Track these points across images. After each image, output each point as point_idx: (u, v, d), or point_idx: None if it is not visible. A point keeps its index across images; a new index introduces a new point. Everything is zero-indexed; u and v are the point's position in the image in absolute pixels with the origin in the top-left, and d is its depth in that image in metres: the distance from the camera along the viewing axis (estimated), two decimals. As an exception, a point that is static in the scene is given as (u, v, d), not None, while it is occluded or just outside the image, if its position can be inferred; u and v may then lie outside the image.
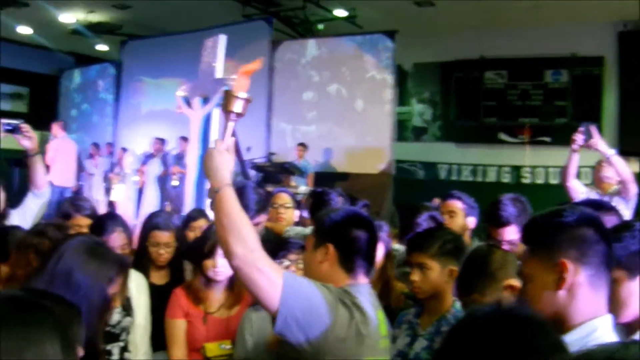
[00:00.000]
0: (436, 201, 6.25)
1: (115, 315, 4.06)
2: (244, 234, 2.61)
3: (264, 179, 13.21)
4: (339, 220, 2.94)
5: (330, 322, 2.58)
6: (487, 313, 1.66)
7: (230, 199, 2.72)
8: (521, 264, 2.34)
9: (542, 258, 2.20)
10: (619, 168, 5.81)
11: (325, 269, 2.85)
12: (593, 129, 5.81)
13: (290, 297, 2.54)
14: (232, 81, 7.36)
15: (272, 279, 2.54)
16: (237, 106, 3.01)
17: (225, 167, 2.84)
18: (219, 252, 4.05)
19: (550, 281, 2.15)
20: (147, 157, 16.04)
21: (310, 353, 2.58)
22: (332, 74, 16.43)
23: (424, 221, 4.95)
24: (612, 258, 2.25)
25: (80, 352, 1.86)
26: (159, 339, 4.36)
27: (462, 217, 5.41)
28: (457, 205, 5.47)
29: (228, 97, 3.04)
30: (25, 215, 4.94)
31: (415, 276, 3.54)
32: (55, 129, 15.57)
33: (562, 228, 2.21)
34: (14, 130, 4.84)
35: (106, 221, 4.47)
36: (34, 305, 1.61)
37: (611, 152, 5.84)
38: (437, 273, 3.51)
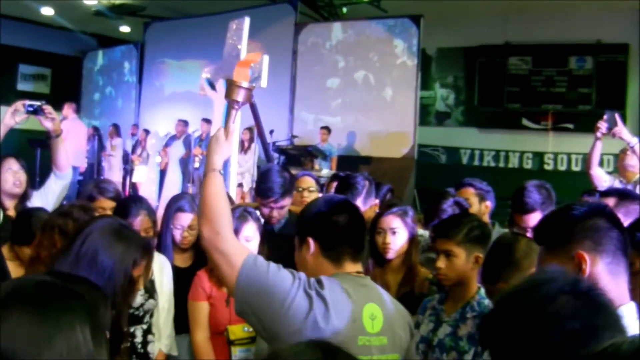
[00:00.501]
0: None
1: (139, 298, 4.09)
2: (213, 216, 2.73)
3: (287, 162, 13.21)
4: (313, 211, 2.87)
5: (282, 311, 2.56)
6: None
7: (211, 183, 2.84)
8: (538, 264, 2.33)
9: (558, 254, 2.21)
10: None
11: (312, 263, 2.79)
12: (617, 117, 5.77)
13: (243, 283, 2.60)
14: (256, 64, 7.35)
15: (231, 262, 2.63)
16: (240, 95, 3.12)
17: (217, 153, 2.95)
18: (241, 234, 4.06)
19: None
20: (170, 139, 16.08)
21: (267, 339, 2.63)
22: (356, 58, 16.38)
23: (448, 207, 4.93)
24: (627, 244, 2.25)
25: (106, 335, 1.88)
26: (182, 322, 4.38)
27: (477, 203, 5.40)
28: (470, 192, 5.44)
29: (230, 86, 3.14)
30: (47, 197, 4.97)
31: (441, 263, 3.53)
32: (67, 110, 15.61)
33: (574, 222, 2.23)
34: (36, 111, 4.85)
35: (130, 204, 4.46)
36: (64, 291, 1.60)
37: (635, 141, 5.79)
38: (463, 260, 3.50)
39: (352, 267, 2.78)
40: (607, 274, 2.13)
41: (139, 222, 4.31)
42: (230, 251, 2.67)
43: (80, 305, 1.58)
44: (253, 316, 2.61)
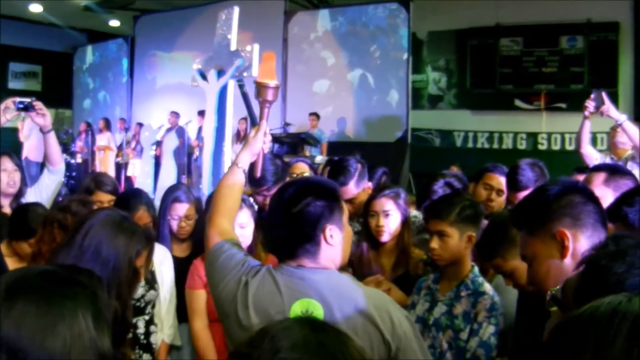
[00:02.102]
0: (454, 169, 6.17)
1: (139, 289, 4.11)
2: (213, 203, 2.96)
3: (282, 150, 13.22)
4: (275, 196, 2.76)
5: (217, 293, 2.68)
6: None
7: (226, 175, 3.05)
8: (521, 249, 2.36)
9: (540, 235, 2.26)
10: (631, 134, 5.79)
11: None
12: (604, 95, 5.79)
13: (207, 264, 2.81)
14: (247, 54, 7.37)
15: (208, 244, 2.82)
16: (270, 94, 3.20)
17: (244, 149, 3.09)
18: (237, 222, 4.09)
19: (554, 253, 2.20)
20: (168, 131, 16.09)
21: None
22: (346, 44, 16.37)
23: (439, 188, 4.93)
24: (604, 216, 2.29)
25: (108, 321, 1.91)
26: (182, 311, 4.42)
27: (504, 197, 5.15)
28: (504, 182, 5.11)
29: (259, 87, 3.21)
30: (41, 193, 4.98)
31: (435, 244, 3.55)
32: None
33: (550, 201, 2.27)
34: (27, 107, 4.84)
35: (130, 198, 4.49)
36: (67, 279, 1.64)
37: (622, 118, 5.81)
38: (456, 240, 3.52)
39: (294, 263, 2.63)
40: (588, 247, 2.17)
41: (139, 216, 4.33)
42: (210, 235, 2.83)
43: (83, 293, 1.61)
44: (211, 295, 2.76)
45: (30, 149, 16.36)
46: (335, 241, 2.61)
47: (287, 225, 2.62)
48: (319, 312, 2.52)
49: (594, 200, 2.29)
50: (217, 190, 2.98)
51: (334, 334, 1.46)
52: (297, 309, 2.53)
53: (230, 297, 2.61)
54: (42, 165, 14.71)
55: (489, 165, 5.33)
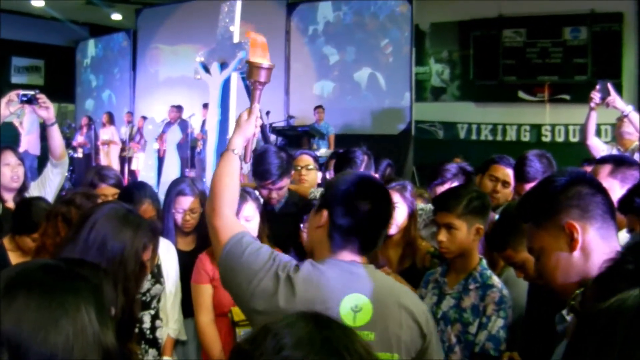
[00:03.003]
0: (457, 161, 6.12)
1: (145, 284, 4.09)
2: (214, 193, 2.82)
3: (286, 143, 13.21)
4: (341, 186, 2.70)
5: (249, 291, 2.56)
6: None
7: (222, 162, 2.91)
8: (528, 242, 2.33)
9: (547, 228, 2.21)
10: (637, 124, 5.76)
11: (318, 235, 2.70)
12: (610, 86, 5.76)
13: (224, 259, 2.65)
14: (249, 47, 7.34)
15: (219, 238, 2.70)
16: (262, 75, 3.09)
17: (237, 133, 2.98)
18: (241, 214, 4.06)
19: (563, 246, 2.16)
20: (167, 126, 16.08)
21: (246, 317, 2.73)
22: (348, 36, 16.33)
23: (452, 167, 4.90)
24: (613, 206, 2.25)
25: (112, 311, 1.88)
26: (188, 306, 4.39)
27: (510, 188, 5.13)
28: (510, 173, 5.11)
29: (251, 68, 3.11)
30: (45, 186, 4.97)
31: (443, 236, 3.52)
32: None
33: (557, 193, 2.23)
34: (30, 100, 4.83)
35: (134, 192, 4.46)
36: (69, 273, 1.61)
37: (629, 109, 5.79)
38: (464, 232, 3.49)
39: (350, 257, 2.63)
40: (599, 239, 2.13)
41: (143, 209, 4.30)
42: (220, 228, 2.72)
43: (85, 287, 1.58)
44: (230, 292, 2.68)
45: (30, 143, 16.36)
46: None
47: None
48: (368, 307, 2.53)
49: (602, 191, 2.25)
50: (217, 180, 2.85)
51: (339, 330, 1.43)
52: (347, 303, 2.53)
53: (267, 293, 2.54)
54: (39, 158, 14.78)
55: (495, 156, 5.30)
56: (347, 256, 2.61)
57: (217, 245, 2.70)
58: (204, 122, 15.23)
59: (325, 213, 2.66)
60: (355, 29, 16.36)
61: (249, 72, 3.14)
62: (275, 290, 2.52)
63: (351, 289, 2.54)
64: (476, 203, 3.55)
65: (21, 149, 16.13)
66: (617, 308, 1.26)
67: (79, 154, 17.65)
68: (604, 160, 4.42)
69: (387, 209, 2.73)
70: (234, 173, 2.87)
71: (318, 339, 1.35)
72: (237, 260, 2.61)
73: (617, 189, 3.68)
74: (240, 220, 4.02)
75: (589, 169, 4.81)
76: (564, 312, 2.09)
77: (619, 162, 4.24)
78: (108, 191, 4.86)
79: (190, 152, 15.48)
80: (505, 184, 5.10)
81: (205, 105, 14.37)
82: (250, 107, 3.04)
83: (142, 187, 4.60)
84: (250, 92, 8.59)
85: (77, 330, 1.49)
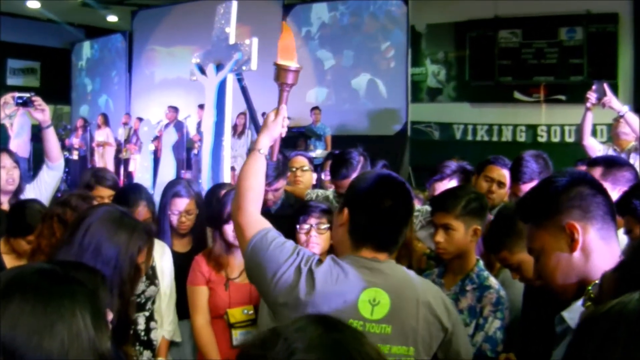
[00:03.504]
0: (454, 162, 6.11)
1: (140, 285, 4.08)
2: (239, 191, 2.85)
3: (282, 145, 13.20)
4: (362, 184, 2.76)
5: (272, 284, 2.61)
6: None
7: (248, 161, 2.96)
8: (528, 242, 2.32)
9: (548, 228, 2.20)
10: (633, 125, 5.77)
11: (340, 233, 2.76)
12: (606, 87, 5.77)
13: (249, 254, 2.69)
14: (245, 47, 7.32)
15: (245, 235, 2.73)
16: (290, 77, 3.14)
17: (263, 133, 3.04)
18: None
19: (563, 247, 2.15)
20: (165, 126, 16.06)
21: (271, 310, 2.74)
22: (343, 36, 16.33)
23: (452, 164, 4.89)
24: (613, 208, 2.25)
25: (109, 315, 1.87)
26: (183, 308, 4.38)
27: (506, 189, 5.09)
28: (505, 174, 5.07)
29: (278, 69, 3.14)
30: (41, 189, 4.95)
31: (440, 237, 3.52)
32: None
33: (558, 193, 2.21)
34: (26, 103, 4.82)
35: (129, 194, 4.45)
36: (64, 278, 1.60)
37: (625, 109, 5.80)
38: (462, 233, 3.49)
39: (371, 254, 2.67)
40: (599, 239, 2.13)
41: (139, 212, 4.30)
42: (246, 225, 2.75)
43: (81, 292, 1.57)
44: (256, 286, 2.75)
45: (20, 146, 16.32)
46: None
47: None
48: (385, 300, 2.58)
49: (603, 192, 2.24)
50: (242, 178, 2.90)
51: (348, 333, 1.42)
52: (365, 297, 2.57)
53: (288, 286, 2.58)
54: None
55: (491, 157, 5.29)
56: (368, 253, 2.66)
57: (243, 241, 2.74)
58: (199, 124, 15.24)
59: (346, 211, 2.71)
60: (351, 31, 16.35)
61: (277, 74, 3.17)
62: (296, 283, 2.57)
63: (370, 283, 2.59)
64: (474, 204, 3.55)
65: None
66: (618, 312, 1.26)
67: (75, 155, 17.63)
68: (595, 162, 4.42)
69: (407, 206, 2.76)
70: (258, 172, 2.92)
71: (329, 342, 1.35)
72: (262, 254, 2.65)
73: (608, 191, 3.68)
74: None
75: (583, 168, 4.81)
76: (564, 313, 2.08)
77: (610, 164, 4.24)
78: (104, 193, 4.85)
79: (186, 154, 15.47)
80: (501, 184, 5.08)
81: (201, 106, 14.38)
82: (278, 108, 3.12)
83: (137, 190, 4.59)
84: (245, 93, 8.54)
85: (73, 335, 1.48)
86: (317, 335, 1.36)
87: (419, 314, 2.62)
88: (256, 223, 2.76)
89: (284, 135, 3.19)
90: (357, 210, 2.69)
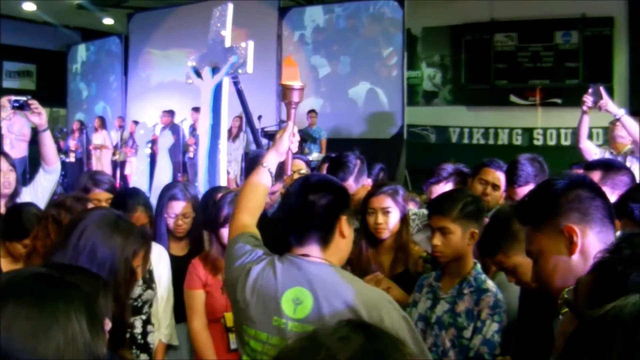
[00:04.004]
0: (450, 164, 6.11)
1: (137, 289, 4.08)
2: (237, 200, 3.11)
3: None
4: (294, 185, 2.84)
5: (227, 284, 2.88)
6: None
7: (252, 174, 3.14)
8: (527, 245, 2.32)
9: (546, 231, 2.21)
10: (629, 128, 5.78)
11: None
12: (602, 90, 5.78)
13: (225, 257, 2.93)
14: (241, 50, 7.33)
15: (229, 238, 2.97)
16: (295, 96, 3.34)
17: (271, 150, 3.22)
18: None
19: (562, 250, 2.16)
20: (162, 129, 16.04)
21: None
22: (340, 41, 16.32)
23: (448, 166, 4.89)
24: (612, 211, 2.25)
25: (108, 324, 1.86)
26: (180, 311, 4.38)
27: (502, 191, 5.10)
28: (502, 178, 5.08)
29: (284, 89, 3.35)
30: (37, 192, 4.94)
31: (437, 240, 3.51)
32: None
33: (557, 196, 2.23)
34: (22, 106, 4.82)
35: (127, 198, 4.43)
36: (60, 282, 1.60)
37: (621, 113, 5.81)
38: (459, 236, 3.49)
39: (299, 251, 2.70)
40: (598, 243, 2.13)
41: (136, 217, 4.28)
42: (231, 230, 2.99)
43: (77, 295, 1.57)
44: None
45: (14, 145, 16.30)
46: (348, 234, 2.73)
47: (305, 212, 2.69)
48: (308, 301, 2.58)
49: (602, 195, 2.25)
50: (241, 189, 3.12)
51: (389, 341, 1.40)
52: (289, 295, 2.60)
53: (234, 282, 2.74)
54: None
55: (486, 160, 5.29)
56: (296, 250, 2.71)
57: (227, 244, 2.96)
58: (192, 126, 15.24)
59: None
60: (349, 35, 16.35)
61: (283, 93, 3.36)
62: (237, 280, 2.73)
63: (295, 282, 2.62)
64: (471, 207, 3.55)
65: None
66: (614, 316, 1.25)
67: (72, 158, 17.61)
68: (593, 166, 4.43)
69: (313, 200, 2.70)
70: (258, 184, 3.09)
71: (372, 353, 1.33)
72: (227, 256, 2.87)
73: (607, 195, 3.69)
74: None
75: (579, 172, 4.82)
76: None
77: (608, 168, 4.25)
78: (102, 196, 4.84)
79: (182, 157, 15.46)
80: (495, 187, 5.08)
81: (194, 109, 14.37)
82: (286, 125, 3.28)
83: (134, 194, 4.57)
84: (241, 96, 8.55)
85: (68, 339, 1.47)
86: (359, 345, 1.34)
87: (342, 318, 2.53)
88: (238, 229, 2.92)
89: (294, 150, 3.33)
90: (283, 209, 2.90)
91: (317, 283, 2.60)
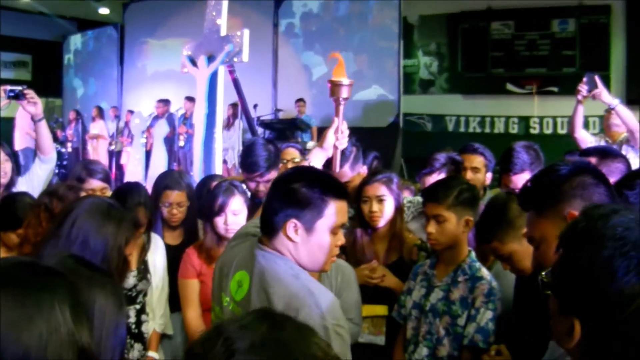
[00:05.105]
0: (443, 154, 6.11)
1: (131, 279, 4.08)
2: None
3: (273, 136, 13.22)
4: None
5: None
6: None
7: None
8: (528, 231, 2.31)
9: (549, 217, 2.19)
10: (624, 117, 5.78)
11: None
12: (597, 79, 5.77)
13: None
14: (237, 39, 7.31)
15: None
16: (343, 92, 3.43)
17: (317, 147, 3.37)
18: (229, 208, 4.05)
19: None
20: (154, 120, 16.02)
21: None
22: (336, 29, 16.29)
23: (442, 157, 4.89)
24: (614, 198, 2.25)
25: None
26: (175, 300, 4.38)
27: (484, 173, 5.18)
28: (481, 160, 5.18)
29: (333, 86, 3.44)
30: (33, 182, 4.94)
31: (432, 228, 3.52)
32: None
33: (561, 182, 2.22)
34: (18, 96, 4.81)
35: (127, 196, 4.26)
36: (43, 270, 1.58)
37: (615, 103, 5.80)
38: (454, 224, 3.49)
39: (263, 237, 2.68)
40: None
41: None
42: None
43: (61, 285, 1.55)
44: None
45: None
46: (299, 238, 2.58)
47: (268, 197, 2.69)
48: (246, 285, 2.63)
49: (605, 182, 2.23)
50: None
51: (294, 331, 1.36)
52: (237, 277, 2.69)
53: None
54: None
55: (460, 148, 5.32)
56: (262, 237, 2.69)
57: None
58: (182, 116, 15.20)
59: None
60: (344, 19, 16.30)
61: (331, 90, 3.45)
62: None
63: (244, 266, 2.68)
64: (466, 195, 3.55)
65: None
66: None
67: (68, 148, 17.61)
68: (588, 153, 4.42)
69: (273, 189, 2.69)
70: None
71: (272, 343, 1.29)
72: None
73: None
74: (228, 214, 4.03)
75: (570, 159, 4.82)
76: None
77: (604, 155, 4.24)
78: (96, 185, 4.81)
79: (177, 146, 15.45)
80: (475, 169, 5.12)
81: (188, 98, 14.33)
82: (333, 122, 3.40)
83: (136, 192, 4.37)
84: (236, 84, 8.53)
85: (51, 328, 1.46)
86: (260, 334, 1.30)
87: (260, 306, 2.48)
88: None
89: (343, 146, 3.45)
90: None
91: (257, 270, 2.60)
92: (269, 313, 1.40)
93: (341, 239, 2.68)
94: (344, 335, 2.47)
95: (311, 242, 2.59)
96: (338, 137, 3.32)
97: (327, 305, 2.49)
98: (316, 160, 3.24)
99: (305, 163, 3.24)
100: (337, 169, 3.51)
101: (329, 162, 3.46)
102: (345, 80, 3.38)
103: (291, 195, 2.57)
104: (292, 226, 2.55)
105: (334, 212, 2.60)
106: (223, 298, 2.69)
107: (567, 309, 1.60)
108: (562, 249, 1.67)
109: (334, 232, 2.61)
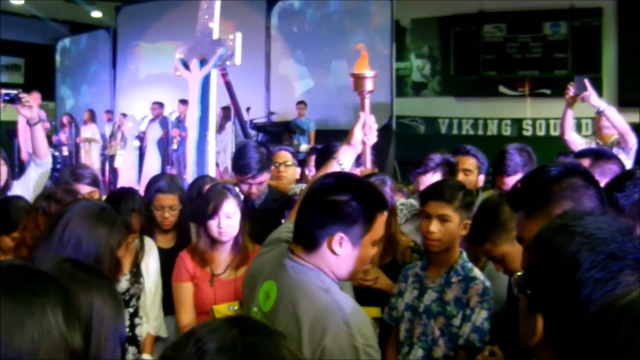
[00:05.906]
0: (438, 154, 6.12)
1: (124, 283, 4.08)
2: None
3: (266, 139, 13.22)
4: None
5: None
6: None
7: (324, 168, 3.21)
8: (518, 231, 2.32)
9: (538, 218, 2.18)
10: (613, 120, 5.81)
11: None
12: (586, 82, 5.79)
13: None
14: (229, 42, 7.31)
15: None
16: (368, 84, 3.31)
17: (345, 144, 3.27)
18: (222, 211, 4.05)
19: None
20: (150, 122, 15.99)
21: None
22: (327, 32, 16.30)
23: (437, 157, 4.90)
24: (605, 200, 2.25)
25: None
26: (169, 303, 4.37)
27: (476, 175, 5.22)
28: (473, 162, 5.22)
29: (356, 79, 3.32)
30: (28, 185, 4.92)
31: (434, 227, 3.51)
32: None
33: (551, 183, 2.22)
34: (13, 100, 4.80)
35: (120, 202, 4.24)
36: (36, 274, 1.58)
37: (603, 106, 5.83)
38: (457, 225, 3.51)
39: (293, 247, 2.58)
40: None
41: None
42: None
43: (52, 288, 1.55)
44: None
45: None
46: (343, 252, 2.48)
47: (304, 207, 2.56)
48: (274, 296, 2.54)
49: (595, 184, 2.24)
50: (312, 181, 2.97)
51: (265, 335, 1.37)
52: (265, 287, 2.60)
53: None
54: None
55: (453, 150, 5.34)
56: (292, 246, 2.58)
57: None
58: (177, 119, 15.19)
59: None
60: (337, 21, 16.31)
61: (355, 83, 3.32)
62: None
63: (272, 276, 2.59)
64: (469, 198, 3.60)
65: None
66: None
67: (64, 152, 17.57)
68: (582, 154, 4.44)
69: (309, 204, 2.58)
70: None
71: (241, 345, 1.30)
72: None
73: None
74: (221, 217, 4.03)
75: (562, 160, 4.84)
76: None
77: (597, 156, 4.25)
78: (83, 190, 4.77)
79: (171, 149, 15.44)
80: (467, 171, 5.16)
81: (181, 101, 14.33)
82: (359, 117, 3.31)
83: (129, 198, 4.36)
84: (229, 87, 8.53)
85: (43, 332, 1.46)
86: (230, 337, 1.31)
87: (284, 320, 2.44)
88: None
89: (372, 142, 3.31)
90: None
91: (285, 282, 2.51)
92: (241, 318, 1.41)
93: (375, 249, 2.62)
94: (373, 355, 2.37)
95: (355, 255, 2.51)
96: (365, 132, 3.22)
97: (357, 323, 2.39)
98: (345, 158, 3.15)
99: (335, 162, 3.15)
100: (368, 165, 3.46)
101: (357, 158, 3.41)
102: (368, 73, 3.28)
103: (340, 209, 2.46)
104: (338, 240, 2.45)
105: (380, 225, 2.55)
106: (252, 309, 2.61)
107: (533, 308, 1.62)
108: (533, 246, 1.70)
109: (375, 244, 2.58)
